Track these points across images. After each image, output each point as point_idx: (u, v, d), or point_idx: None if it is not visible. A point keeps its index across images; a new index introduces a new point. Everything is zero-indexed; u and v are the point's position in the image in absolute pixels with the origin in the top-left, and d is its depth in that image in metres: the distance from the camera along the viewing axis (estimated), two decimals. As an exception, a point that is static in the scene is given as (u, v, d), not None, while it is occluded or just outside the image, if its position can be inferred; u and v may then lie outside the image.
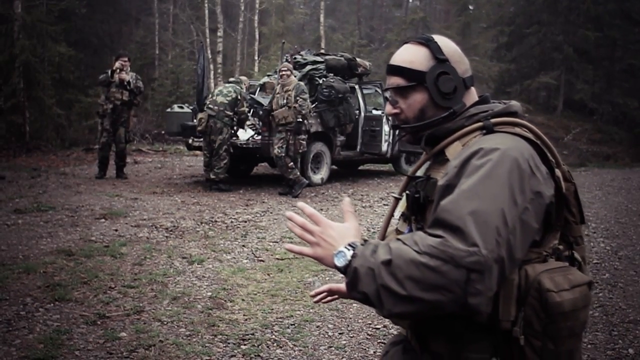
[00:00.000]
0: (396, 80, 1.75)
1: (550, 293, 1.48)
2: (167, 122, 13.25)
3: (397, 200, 1.85)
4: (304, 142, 10.05)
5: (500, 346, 1.54)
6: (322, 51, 15.27)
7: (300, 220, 1.60)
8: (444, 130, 1.71)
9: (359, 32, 29.71)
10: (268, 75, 13.42)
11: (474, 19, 23.98)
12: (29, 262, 5.75)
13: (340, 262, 1.51)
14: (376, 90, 12.59)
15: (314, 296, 2.07)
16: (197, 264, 6.00)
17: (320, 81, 11.27)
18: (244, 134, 11.03)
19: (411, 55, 1.74)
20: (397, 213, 1.83)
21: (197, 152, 12.55)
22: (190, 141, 11.41)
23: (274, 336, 4.37)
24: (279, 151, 9.83)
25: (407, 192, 1.76)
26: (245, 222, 7.96)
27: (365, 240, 1.54)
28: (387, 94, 1.81)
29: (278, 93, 9.99)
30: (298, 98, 9.73)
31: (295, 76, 10.47)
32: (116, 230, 7.17)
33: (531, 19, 26.44)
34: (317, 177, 11.29)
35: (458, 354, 1.58)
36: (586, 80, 25.41)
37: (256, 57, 26.05)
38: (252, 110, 11.04)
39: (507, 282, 1.49)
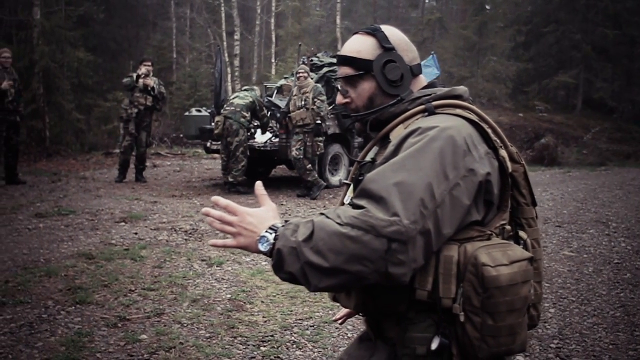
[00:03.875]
0: (345, 70, 1.79)
1: (486, 267, 1.49)
2: (186, 126, 13.31)
3: (349, 186, 1.87)
4: (322, 144, 10.06)
5: (444, 325, 1.55)
6: (339, 53, 15.26)
7: (217, 214, 1.61)
8: (388, 115, 1.74)
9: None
10: (285, 78, 13.46)
11: (491, 19, 23.81)
12: (51, 265, 5.80)
13: (264, 247, 1.52)
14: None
15: (336, 320, 2.12)
16: (217, 267, 6.02)
17: (337, 83, 11.28)
18: (262, 137, 11.06)
19: (359, 45, 1.78)
20: (347, 199, 1.85)
21: (216, 155, 12.60)
22: (208, 144, 11.45)
23: (293, 338, 4.38)
24: (297, 153, 9.84)
25: (354, 176, 1.81)
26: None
27: (287, 221, 1.55)
28: (339, 85, 1.84)
29: (295, 95, 10.00)
30: (316, 100, 9.74)
31: (312, 78, 10.48)
32: (136, 233, 7.21)
33: (549, 18, 26.26)
34: (335, 179, 11.29)
35: (404, 334, 1.59)
36: (605, 79, 25.23)
37: (273, 60, 26.11)
38: (269, 113, 11.06)
39: (447, 259, 1.52)
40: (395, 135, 1.65)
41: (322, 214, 1.51)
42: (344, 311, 2.09)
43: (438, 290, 1.52)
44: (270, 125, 11.12)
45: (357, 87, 1.78)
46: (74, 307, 4.78)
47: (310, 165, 9.97)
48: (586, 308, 5.13)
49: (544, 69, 26.08)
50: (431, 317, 1.56)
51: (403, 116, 1.70)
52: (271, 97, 12.25)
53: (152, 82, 10.93)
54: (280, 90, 12.50)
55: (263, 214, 1.59)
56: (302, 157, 9.85)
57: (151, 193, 10.23)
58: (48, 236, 6.97)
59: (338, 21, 26.90)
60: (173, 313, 4.75)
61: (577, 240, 7.58)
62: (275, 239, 1.51)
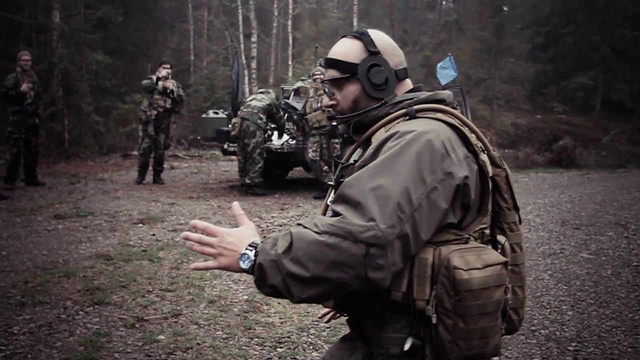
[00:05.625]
0: (332, 73, 1.82)
1: (457, 270, 1.50)
2: (203, 128, 13.37)
3: (333, 187, 1.90)
4: (338, 146, 10.06)
5: (417, 326, 1.56)
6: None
7: (196, 237, 1.62)
8: (371, 118, 1.77)
9: (393, 35, 29.52)
10: (302, 80, 13.47)
11: (509, 20, 23.64)
12: (69, 266, 5.85)
13: (245, 264, 1.54)
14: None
15: (322, 317, 2.14)
16: (233, 268, 6.02)
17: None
18: (279, 139, 11.09)
19: (345, 48, 1.80)
20: (330, 200, 1.87)
21: (233, 157, 12.64)
22: (225, 146, 11.48)
23: (309, 339, 4.38)
24: (314, 155, 9.85)
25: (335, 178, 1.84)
26: (281, 226, 7.99)
27: (265, 236, 1.56)
28: (326, 87, 1.86)
29: (312, 97, 10.02)
30: (332, 101, 9.74)
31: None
32: (154, 234, 7.25)
33: (567, 19, 26.08)
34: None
35: (379, 334, 1.61)
36: (624, 80, 24.98)
37: (290, 62, 26.13)
38: (286, 114, 11.09)
39: (421, 261, 1.53)
40: (377, 138, 1.67)
41: (299, 224, 1.53)
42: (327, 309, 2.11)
43: (412, 291, 1.54)
44: (287, 127, 11.14)
45: (342, 89, 1.81)
46: (92, 308, 4.82)
47: (326, 167, 9.97)
48: (604, 310, 5.09)
49: (562, 70, 25.89)
50: (406, 318, 1.58)
51: (385, 119, 1.73)
52: (288, 99, 12.27)
53: (171, 84, 11.00)
54: (297, 92, 12.52)
55: (242, 233, 1.61)
56: (318, 158, 9.86)
57: (168, 194, 10.29)
58: (67, 237, 7.03)
59: (355, 23, 26.85)
60: (190, 314, 4.77)
61: (595, 242, 7.53)
62: (256, 254, 1.53)
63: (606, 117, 24.70)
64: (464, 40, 26.26)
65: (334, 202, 1.54)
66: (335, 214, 1.50)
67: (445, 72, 13.77)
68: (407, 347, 1.55)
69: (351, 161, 1.81)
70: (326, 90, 1.87)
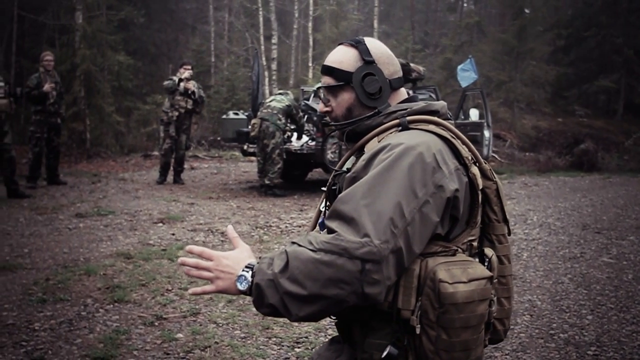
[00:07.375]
0: (327, 80, 1.83)
1: (443, 283, 1.51)
2: (223, 129, 13.43)
3: (326, 193, 1.92)
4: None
5: (401, 335, 1.57)
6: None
7: (193, 261, 1.64)
8: (364, 127, 1.78)
9: (413, 37, 29.42)
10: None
11: (530, 22, 23.44)
12: (90, 264, 5.91)
13: (242, 286, 1.55)
14: (430, 96, 12.46)
15: None
16: (252, 268, 6.04)
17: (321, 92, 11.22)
18: (299, 140, 11.11)
19: (341, 56, 1.81)
20: (323, 206, 1.90)
21: (252, 157, 12.68)
22: (245, 147, 11.51)
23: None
24: (333, 156, 9.86)
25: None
26: (300, 227, 8.00)
27: (260, 257, 1.57)
28: (320, 93, 1.87)
29: (331, 99, 10.01)
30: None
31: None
32: (173, 234, 7.29)
33: (589, 22, 25.86)
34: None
35: (364, 339, 1.63)
36: (648, 83, 24.74)
37: (310, 64, 26.14)
38: (306, 116, 11.11)
39: (408, 272, 1.54)
40: (370, 148, 1.68)
41: (293, 242, 1.55)
42: None
43: (397, 301, 1.55)
44: (306, 128, 11.16)
45: (337, 96, 1.82)
46: (112, 305, 4.86)
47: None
48: (625, 315, 5.04)
49: (584, 73, 25.67)
50: (391, 326, 1.59)
51: (378, 129, 1.74)
52: (308, 100, 12.29)
53: (192, 85, 11.06)
54: (317, 93, 12.53)
55: (238, 255, 1.63)
56: (337, 160, 9.86)
57: (188, 195, 10.34)
58: (87, 236, 7.10)
59: (375, 24, 26.82)
60: (208, 313, 4.80)
61: (616, 246, 7.46)
62: (252, 275, 1.54)
63: (628, 121, 24.44)
64: (485, 42, 26.07)
65: (328, 218, 1.56)
66: (330, 230, 1.51)
67: (466, 74, 13.73)
68: (384, 354, 1.57)
69: (344, 169, 1.82)
70: (321, 96, 1.88)
